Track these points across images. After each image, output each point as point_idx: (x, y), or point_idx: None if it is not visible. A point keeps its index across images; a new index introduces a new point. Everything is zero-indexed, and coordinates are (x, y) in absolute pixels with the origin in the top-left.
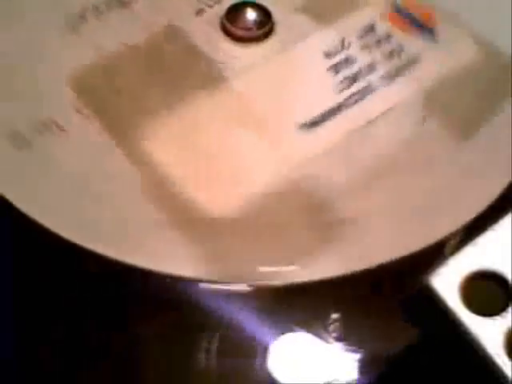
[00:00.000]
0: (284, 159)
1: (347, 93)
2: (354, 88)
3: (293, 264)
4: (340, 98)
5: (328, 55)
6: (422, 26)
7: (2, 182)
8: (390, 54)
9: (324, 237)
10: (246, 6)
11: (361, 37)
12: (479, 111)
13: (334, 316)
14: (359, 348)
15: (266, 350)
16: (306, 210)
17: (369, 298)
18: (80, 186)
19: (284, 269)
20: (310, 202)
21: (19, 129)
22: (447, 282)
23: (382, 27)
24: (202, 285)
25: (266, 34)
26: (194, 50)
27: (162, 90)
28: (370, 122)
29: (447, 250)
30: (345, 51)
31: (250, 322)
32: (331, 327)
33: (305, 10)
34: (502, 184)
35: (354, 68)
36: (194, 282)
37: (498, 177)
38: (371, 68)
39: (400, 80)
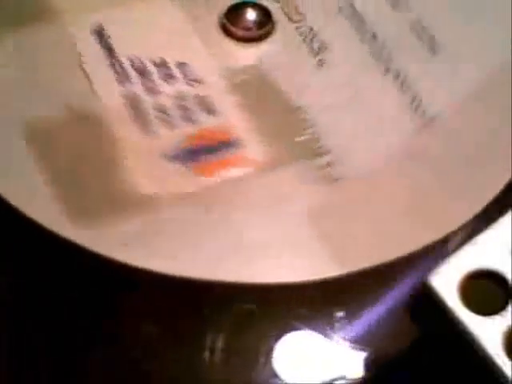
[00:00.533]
0: None
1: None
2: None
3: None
4: None
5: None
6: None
7: None
8: None
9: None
10: (246, 6)
11: None
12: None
13: (339, 314)
14: (364, 346)
15: (270, 348)
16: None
17: (373, 296)
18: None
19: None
20: None
21: None
22: (446, 280)
23: None
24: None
25: (266, 34)
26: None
27: None
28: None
29: (447, 249)
30: None
31: (255, 321)
32: (336, 325)
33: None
34: (502, 183)
35: None
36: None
37: (497, 176)
38: None
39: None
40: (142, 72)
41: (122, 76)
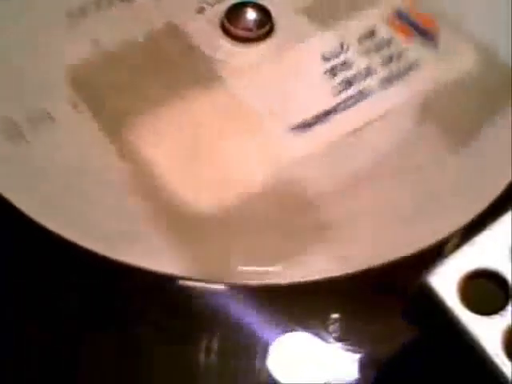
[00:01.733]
0: (273, 160)
1: (343, 96)
2: (350, 91)
3: (277, 265)
4: (335, 100)
5: (326, 58)
6: (423, 33)
7: None
8: (389, 59)
9: (310, 239)
10: (246, 6)
11: (360, 41)
12: (476, 119)
13: (334, 316)
14: (359, 348)
15: (265, 349)
16: (294, 210)
17: (369, 297)
18: (68, 182)
19: (269, 269)
20: (298, 203)
21: (14, 120)
22: (445, 280)
23: (383, 32)
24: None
25: (266, 34)
26: (193, 48)
27: (158, 87)
28: (365, 126)
29: (447, 250)
30: (343, 54)
31: (250, 322)
32: (331, 327)
33: (305, 11)
34: (502, 184)
35: (352, 71)
36: (193, 281)
37: (497, 177)
38: (368, 72)
39: (397, 85)
40: None
41: None
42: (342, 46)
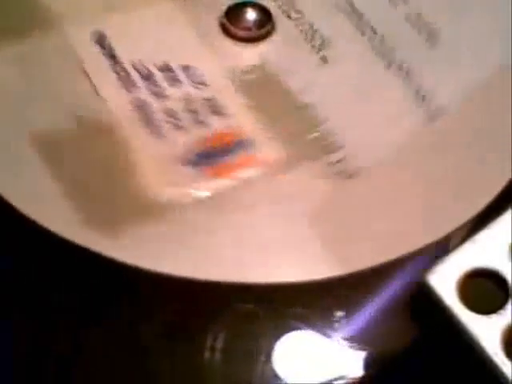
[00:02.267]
0: None
1: None
2: None
3: None
4: None
5: None
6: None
7: None
8: None
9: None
10: (246, 6)
11: None
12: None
13: (339, 314)
14: (363, 346)
15: (270, 348)
16: None
17: (373, 296)
18: None
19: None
20: None
21: None
22: (444, 279)
23: None
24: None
25: (266, 34)
26: None
27: None
28: None
29: (447, 249)
30: None
31: (255, 320)
32: (336, 325)
33: None
34: (502, 183)
35: None
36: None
37: (498, 175)
38: None
39: None
40: (147, 77)
41: (127, 82)
42: None
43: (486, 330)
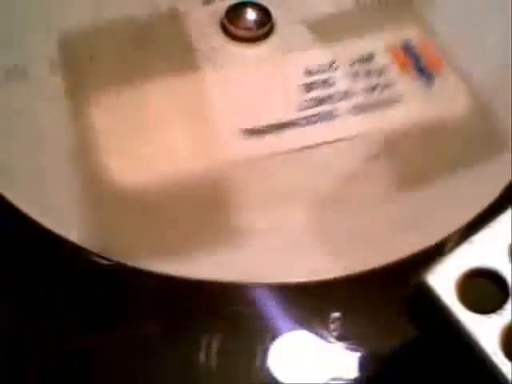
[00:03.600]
0: (211, 156)
1: (307, 112)
2: (317, 110)
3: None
4: (296, 115)
5: (309, 72)
6: (422, 70)
7: None
8: (373, 88)
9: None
10: (246, 6)
11: (353, 64)
12: (436, 167)
13: (335, 315)
14: (359, 347)
15: (266, 348)
16: (212, 210)
17: (369, 297)
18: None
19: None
20: (220, 203)
21: None
22: (443, 279)
23: (380, 59)
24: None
25: (266, 34)
26: (185, 37)
27: (137, 66)
28: (314, 147)
29: (447, 249)
30: (328, 73)
31: (251, 322)
32: (332, 326)
33: (312, 24)
34: (502, 183)
35: (329, 91)
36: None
37: (497, 176)
38: (345, 96)
39: (368, 115)
40: None
41: None
42: (331, 65)
43: (485, 329)
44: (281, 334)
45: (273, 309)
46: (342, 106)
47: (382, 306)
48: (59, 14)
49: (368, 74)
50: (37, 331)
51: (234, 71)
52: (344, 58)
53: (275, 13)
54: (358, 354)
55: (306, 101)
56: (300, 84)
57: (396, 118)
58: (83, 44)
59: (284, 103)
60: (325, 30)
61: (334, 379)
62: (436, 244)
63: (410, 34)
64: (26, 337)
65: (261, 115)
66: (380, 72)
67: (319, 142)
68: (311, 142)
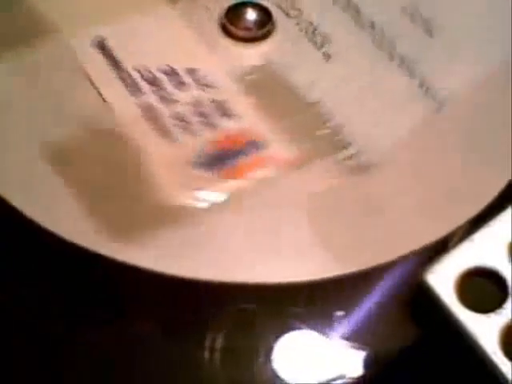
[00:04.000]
0: None
1: None
2: None
3: None
4: None
5: None
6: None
7: None
8: None
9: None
10: (246, 6)
11: None
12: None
13: (339, 314)
14: (363, 345)
15: (271, 347)
16: None
17: (372, 296)
18: None
19: None
20: None
21: None
22: (443, 278)
23: None
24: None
25: (266, 34)
26: None
27: None
28: None
29: (447, 248)
30: None
31: (255, 321)
32: (335, 325)
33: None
34: (502, 183)
35: None
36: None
37: (497, 176)
38: None
39: None
40: (153, 82)
41: (133, 88)
42: None
43: (484, 328)
44: (285, 332)
45: (276, 308)
46: None
47: (386, 304)
48: None
49: None
50: (37, 331)
51: None
52: None
53: (275, 13)
54: (361, 353)
55: None
56: None
57: None
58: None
59: None
60: None
61: (337, 378)
62: (436, 243)
63: None
64: (25, 336)
65: None
66: None
67: None
68: None
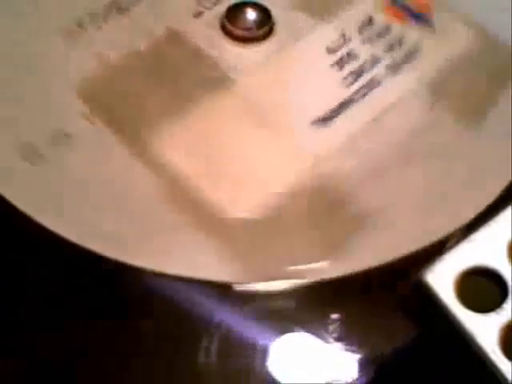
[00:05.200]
0: (300, 157)
1: (355, 87)
2: (361, 82)
3: (323, 260)
4: (348, 92)
5: (330, 51)
6: (418, 16)
7: (16, 195)
8: (391, 46)
9: (351, 230)
10: (246, 6)
11: (361, 31)
12: (481, 95)
13: (334, 316)
14: (359, 348)
15: (266, 350)
16: (328, 205)
17: (369, 297)
18: (95, 194)
19: (314, 265)
20: (331, 198)
21: (30, 141)
22: (442, 278)
23: (380, 19)
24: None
25: (266, 34)
26: (196, 52)
27: (168, 94)
28: (381, 114)
29: (447, 248)
30: (346, 46)
31: (250, 322)
32: (331, 327)
33: (303, 7)
34: (502, 183)
35: (358, 62)
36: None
37: (498, 176)
38: (375, 61)
39: (404, 70)
40: None
41: None
42: (343, 38)
43: (483, 328)
44: (281, 334)
45: (271, 310)
46: (378, 71)
47: (382, 305)
48: (65, 71)
49: (378, 35)
50: (37, 331)
51: (262, 71)
52: (350, 28)
53: (275, 13)
54: (358, 356)
55: (345, 78)
56: (331, 63)
57: (427, 65)
58: (105, 90)
59: (330, 86)
60: (319, 10)
61: (333, 380)
62: (436, 242)
63: None
64: (25, 336)
65: (318, 104)
66: (387, 31)
67: (382, 109)
68: (375, 113)
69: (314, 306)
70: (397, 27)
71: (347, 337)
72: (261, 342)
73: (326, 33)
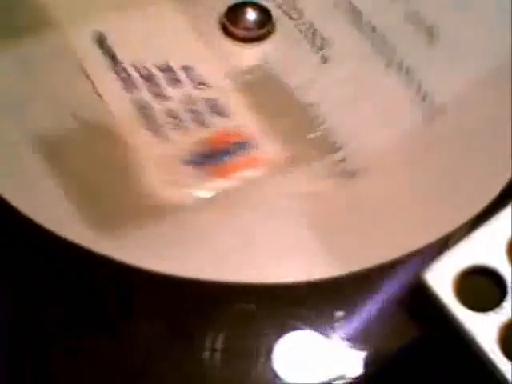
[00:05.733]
0: None
1: None
2: None
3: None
4: None
5: None
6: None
7: None
8: None
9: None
10: (246, 6)
11: None
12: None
13: (339, 314)
14: (359, 347)
15: (271, 348)
16: None
17: (372, 296)
18: None
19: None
20: None
21: None
22: (441, 277)
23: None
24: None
25: (266, 34)
26: None
27: None
28: None
29: (446, 248)
30: None
31: (255, 321)
32: (335, 325)
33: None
34: (502, 182)
35: None
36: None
37: (497, 175)
38: None
39: None
40: (148, 78)
41: (128, 83)
42: None
43: (483, 327)
44: (285, 333)
45: (276, 308)
46: None
47: (386, 304)
48: None
49: None
50: (38, 331)
51: None
52: None
53: (275, 13)
54: (361, 353)
55: None
56: None
57: None
58: None
59: None
60: None
61: (337, 378)
62: (436, 243)
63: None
64: (27, 336)
65: None
66: None
67: None
68: None
69: (313, 305)
70: None
71: (348, 336)
72: (266, 340)
73: None
